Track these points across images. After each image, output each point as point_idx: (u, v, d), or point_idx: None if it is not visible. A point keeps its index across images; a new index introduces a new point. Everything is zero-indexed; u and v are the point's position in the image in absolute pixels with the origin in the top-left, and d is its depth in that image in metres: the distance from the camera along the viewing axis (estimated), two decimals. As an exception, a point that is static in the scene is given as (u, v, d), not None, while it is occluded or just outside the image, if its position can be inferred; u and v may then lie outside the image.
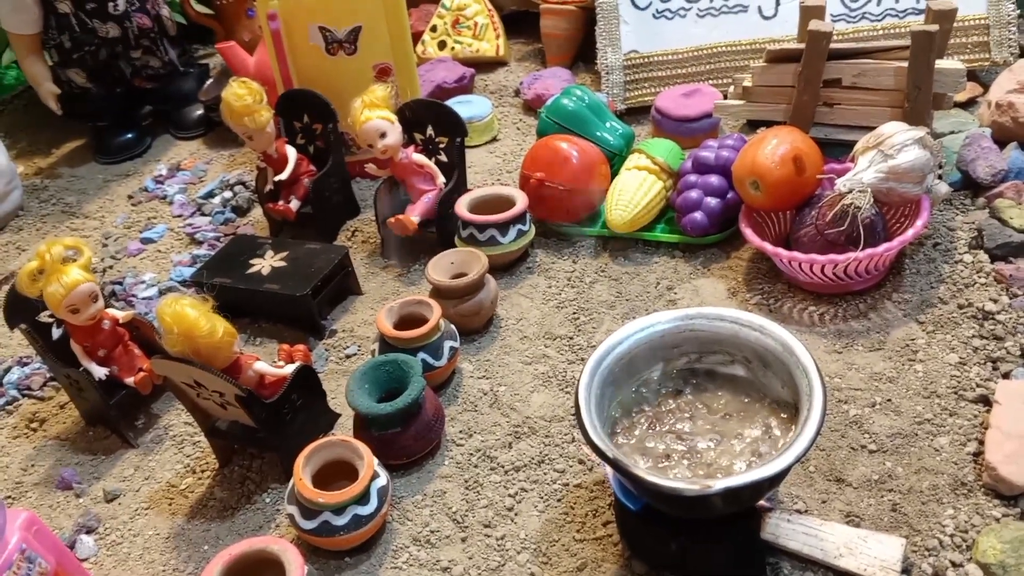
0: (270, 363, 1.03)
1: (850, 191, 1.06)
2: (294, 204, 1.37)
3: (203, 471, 1.06)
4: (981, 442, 0.90)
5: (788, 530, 0.83)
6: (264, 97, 1.32)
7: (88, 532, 1.01)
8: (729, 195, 1.22)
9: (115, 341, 1.12)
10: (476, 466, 1.00)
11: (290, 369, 1.01)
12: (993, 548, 0.79)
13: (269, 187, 1.39)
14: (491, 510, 0.95)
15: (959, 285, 1.10)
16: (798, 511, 0.88)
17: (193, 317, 0.93)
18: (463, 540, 0.93)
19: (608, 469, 0.84)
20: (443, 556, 0.91)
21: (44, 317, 1.13)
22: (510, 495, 0.96)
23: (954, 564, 0.81)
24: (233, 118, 1.31)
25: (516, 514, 0.94)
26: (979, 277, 1.10)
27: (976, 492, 0.86)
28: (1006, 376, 0.97)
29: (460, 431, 1.05)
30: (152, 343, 1.14)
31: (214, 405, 0.99)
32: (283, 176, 1.36)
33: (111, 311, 1.11)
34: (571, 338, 1.16)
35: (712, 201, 1.22)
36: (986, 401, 0.95)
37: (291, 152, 1.37)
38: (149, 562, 0.97)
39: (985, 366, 0.99)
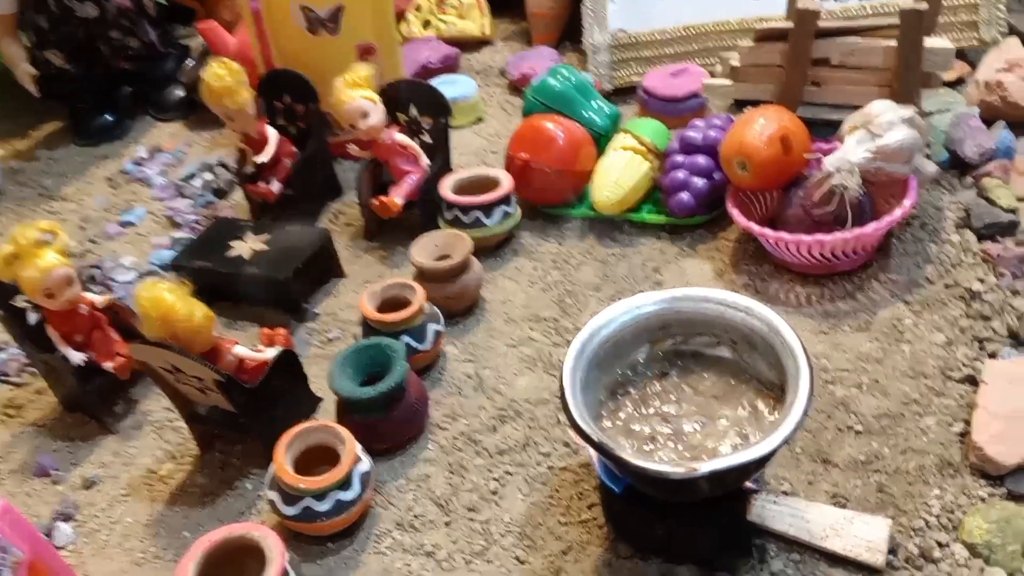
0: (251, 347, 1.01)
1: (837, 171, 1.05)
2: (275, 186, 1.35)
3: (183, 457, 1.05)
4: (968, 422, 0.90)
5: (774, 512, 0.83)
6: (244, 77, 1.29)
7: (66, 519, 0.99)
8: (716, 175, 1.21)
9: (92, 326, 1.10)
10: (460, 450, 0.99)
11: (271, 353, 0.99)
12: (979, 528, 0.79)
13: (250, 169, 1.37)
14: (475, 494, 0.94)
15: (946, 265, 1.10)
16: (784, 493, 0.88)
17: (171, 301, 0.91)
18: (447, 524, 0.92)
19: (593, 452, 0.83)
20: (427, 540, 0.90)
21: (20, 302, 1.11)
22: (495, 479, 0.95)
23: (940, 544, 0.80)
24: (212, 99, 1.29)
25: (501, 498, 0.93)
26: (966, 257, 1.10)
27: (963, 472, 0.86)
28: (993, 356, 0.96)
29: (444, 415, 1.04)
30: (131, 328, 1.12)
31: (193, 390, 0.97)
32: (264, 157, 1.33)
33: (88, 295, 1.09)
34: (557, 320, 1.14)
35: (699, 181, 1.21)
36: (973, 381, 0.94)
37: (272, 133, 1.35)
38: (128, 549, 0.95)
39: (972, 346, 0.99)
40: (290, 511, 0.88)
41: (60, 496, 1.02)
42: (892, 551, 0.80)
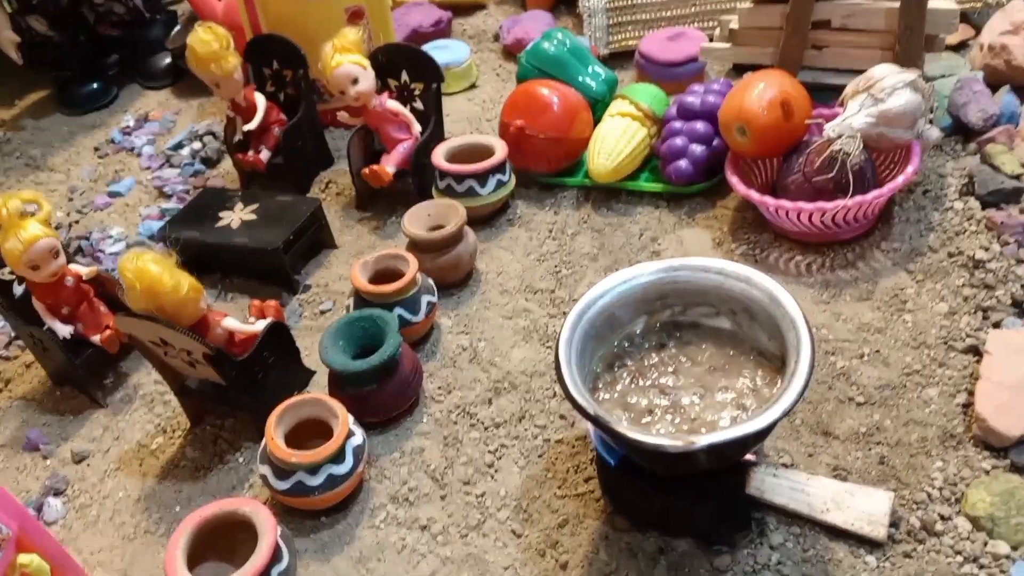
0: (241, 320, 0.99)
1: (839, 137, 1.03)
2: (264, 155, 1.33)
3: (174, 431, 1.03)
4: (971, 393, 0.88)
5: (774, 485, 0.81)
6: (231, 42, 1.26)
7: (56, 495, 0.98)
8: (715, 142, 1.19)
9: (79, 298, 1.08)
10: (455, 423, 0.98)
11: (261, 326, 0.97)
12: (983, 501, 0.78)
13: (238, 137, 1.34)
14: (471, 467, 0.93)
15: (949, 233, 1.08)
16: (784, 465, 0.86)
17: (156, 272, 0.89)
18: (442, 498, 0.90)
19: (589, 425, 0.82)
20: (422, 514, 0.89)
21: (4, 274, 1.09)
22: (490, 452, 0.94)
23: (943, 517, 0.79)
24: (199, 65, 1.26)
25: (496, 471, 0.92)
26: (970, 225, 1.08)
27: (965, 444, 0.85)
28: (997, 326, 0.95)
29: (439, 387, 1.02)
30: (118, 300, 1.10)
31: (182, 363, 0.96)
32: (252, 125, 1.31)
33: (74, 267, 1.07)
34: (552, 291, 1.12)
35: (697, 148, 1.18)
36: (976, 351, 0.93)
37: (260, 100, 1.32)
38: (119, 524, 0.94)
39: (975, 316, 0.97)
40: (282, 485, 0.87)
41: (50, 471, 1.01)
42: (894, 524, 0.79)
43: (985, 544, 0.76)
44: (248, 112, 1.32)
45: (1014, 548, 0.75)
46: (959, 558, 0.76)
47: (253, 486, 0.95)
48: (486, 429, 0.97)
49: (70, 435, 1.06)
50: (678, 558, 0.80)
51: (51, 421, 1.08)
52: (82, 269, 1.08)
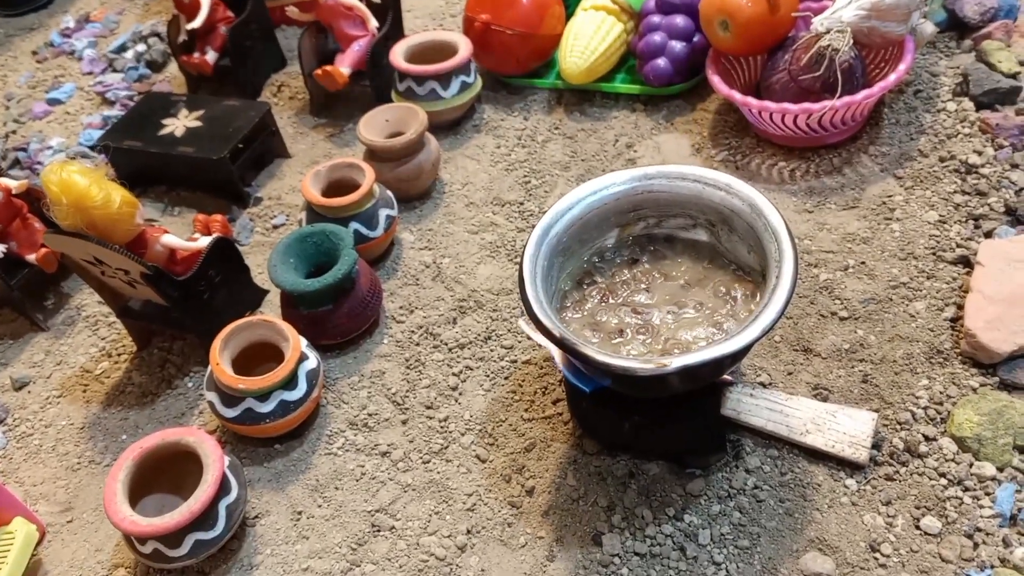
0: (186, 236, 0.92)
1: (828, 31, 0.97)
2: (210, 56, 1.24)
3: (119, 355, 0.98)
4: (960, 307, 0.84)
5: (751, 405, 0.77)
6: (167, -69, 1.15)
7: (-6, 424, 0.93)
8: (696, 38, 1.11)
9: (11, 214, 1.01)
10: (417, 344, 0.93)
11: (205, 242, 0.91)
12: (969, 421, 0.74)
13: (183, 38, 1.25)
14: (433, 390, 0.88)
15: (941, 136, 1.02)
16: (762, 384, 0.82)
17: (83, 185, 0.81)
18: (403, 423, 0.86)
19: (555, 348, 0.77)
20: (382, 440, 0.85)
21: (-72, 189, 1.01)
22: (454, 374, 0.89)
23: (927, 438, 0.75)
24: (133, -44, 1.15)
25: (460, 394, 0.88)
26: (963, 127, 1.02)
27: (953, 361, 0.80)
28: (989, 235, 0.90)
29: (400, 307, 0.97)
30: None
31: (121, 284, 0.89)
32: (196, 24, 1.22)
33: (3, 181, 1.00)
34: (521, 204, 1.06)
35: (677, 45, 1.11)
36: (967, 262, 0.88)
37: (204, -4, 1.22)
38: (63, 454, 0.89)
39: (967, 224, 0.92)
40: (230, 413, 0.82)
41: (-12, 399, 0.96)
42: (876, 446, 0.75)
43: (971, 466, 0.73)
44: (192, 9, 1.23)
45: (1000, 470, 0.72)
46: (943, 481, 0.73)
47: (203, 412, 0.90)
48: (450, 350, 0.92)
49: (9, 360, 1.00)
50: (649, 482, 0.77)
51: (-11, 346, 1.02)
52: (11, 183, 1.01)
